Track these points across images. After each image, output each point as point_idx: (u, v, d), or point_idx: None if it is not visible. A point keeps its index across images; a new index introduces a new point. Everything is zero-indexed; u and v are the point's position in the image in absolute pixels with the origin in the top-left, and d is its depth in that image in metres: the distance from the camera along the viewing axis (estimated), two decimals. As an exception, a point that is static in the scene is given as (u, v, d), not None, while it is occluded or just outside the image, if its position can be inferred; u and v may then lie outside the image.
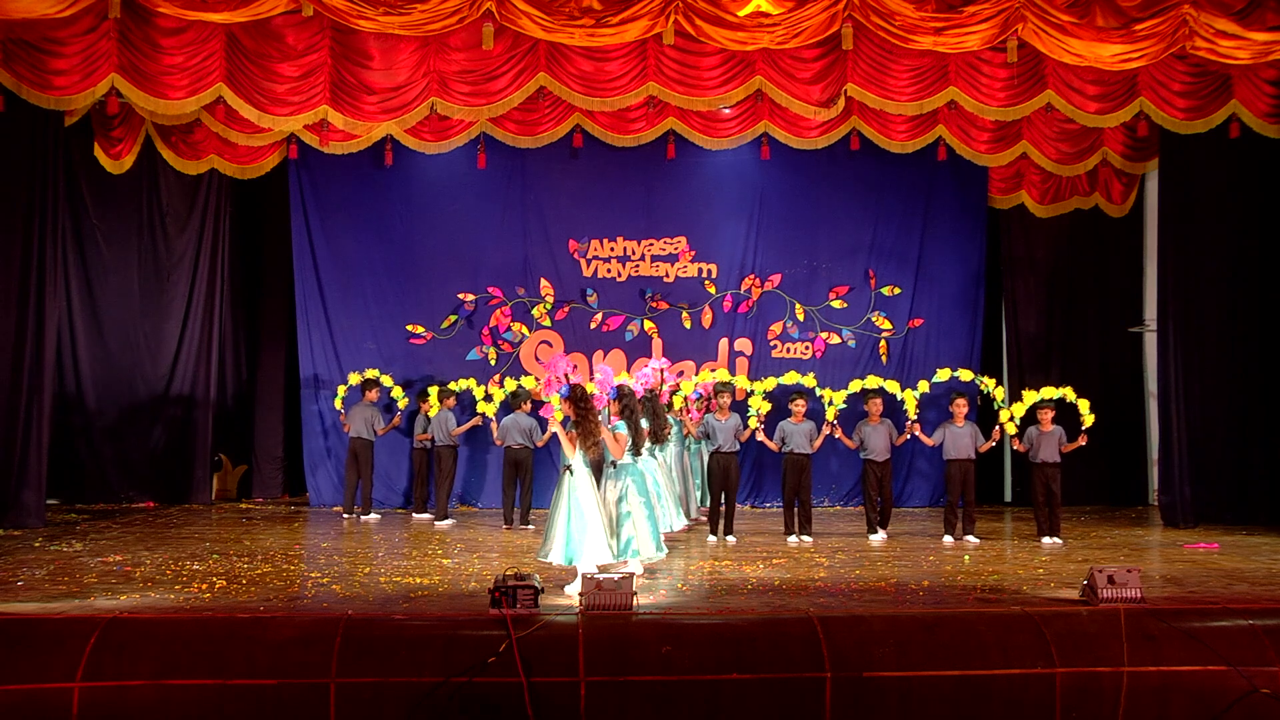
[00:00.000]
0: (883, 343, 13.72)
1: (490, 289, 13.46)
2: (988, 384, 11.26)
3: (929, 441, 10.97)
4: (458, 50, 10.53)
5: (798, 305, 13.70)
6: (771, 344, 13.67)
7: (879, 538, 10.69)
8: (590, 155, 12.98)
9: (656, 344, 13.53)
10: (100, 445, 13.20)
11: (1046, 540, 10.47)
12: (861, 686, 6.09)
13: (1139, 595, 6.82)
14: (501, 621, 6.17)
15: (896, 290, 13.74)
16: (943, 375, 11.55)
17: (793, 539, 10.60)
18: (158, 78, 10.08)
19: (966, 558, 9.59)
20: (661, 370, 11.55)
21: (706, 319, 13.62)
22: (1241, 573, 8.74)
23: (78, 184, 12.78)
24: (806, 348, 13.67)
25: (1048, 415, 10.79)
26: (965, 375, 11.77)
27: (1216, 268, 11.86)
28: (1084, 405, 10.71)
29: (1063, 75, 10.77)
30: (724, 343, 13.63)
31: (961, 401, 10.84)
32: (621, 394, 8.40)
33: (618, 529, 8.17)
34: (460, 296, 13.43)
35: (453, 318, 13.42)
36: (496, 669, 5.94)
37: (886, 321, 13.73)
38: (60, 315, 12.35)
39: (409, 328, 13.39)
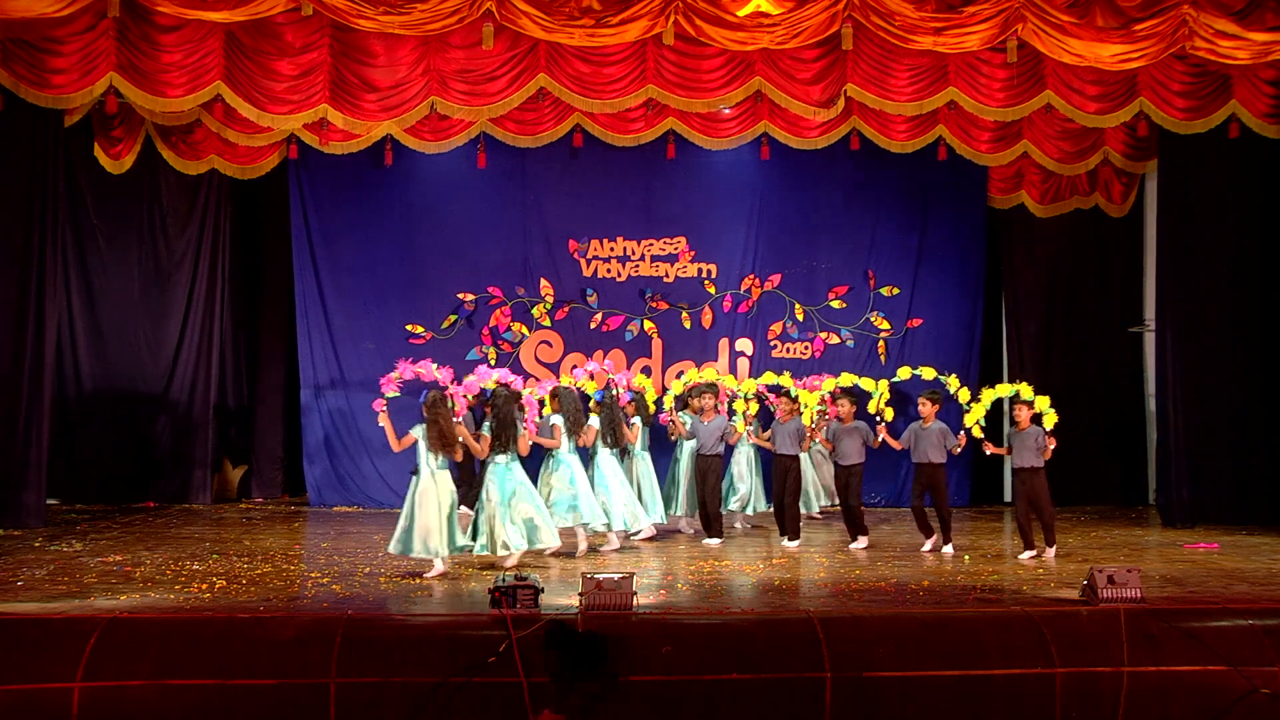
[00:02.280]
0: (881, 343, 13.72)
1: (490, 289, 13.45)
2: (952, 383, 10.58)
3: (896, 445, 10.27)
4: (458, 49, 10.52)
5: (797, 305, 13.70)
6: (772, 344, 13.66)
7: (857, 545, 10.11)
8: (590, 155, 12.95)
9: (656, 344, 13.53)
10: (100, 445, 13.18)
11: (1024, 556, 9.53)
12: (861, 686, 6.10)
13: (1139, 595, 6.82)
14: (501, 621, 6.17)
15: (895, 290, 13.73)
16: (904, 374, 11.27)
17: (784, 542, 10.22)
18: (156, 76, 10.07)
19: (966, 557, 9.58)
20: (590, 373, 11.01)
21: (706, 319, 13.61)
22: (1241, 573, 8.74)
23: (78, 184, 12.77)
24: (806, 348, 13.67)
25: (1021, 413, 9.80)
26: (927, 373, 11.53)
27: (1216, 268, 11.85)
28: (1043, 403, 9.75)
29: (1062, 75, 10.76)
30: (724, 343, 13.62)
31: (924, 401, 10.06)
32: (494, 396, 9.04)
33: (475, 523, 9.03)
34: (460, 296, 13.42)
35: (453, 318, 13.41)
36: (496, 669, 5.94)
37: (885, 322, 13.73)
38: (60, 315, 12.35)
39: (409, 328, 13.37)
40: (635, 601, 6.54)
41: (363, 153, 12.24)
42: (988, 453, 10.16)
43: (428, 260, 13.43)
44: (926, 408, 10.04)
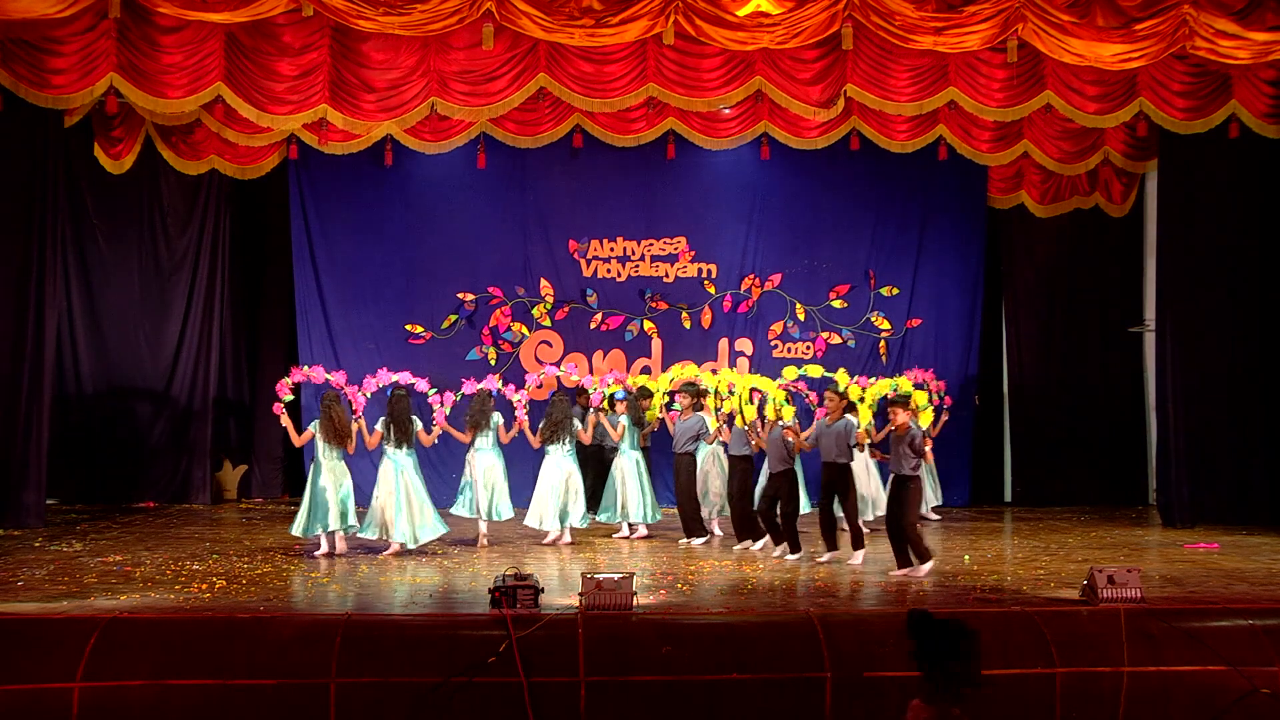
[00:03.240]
0: (882, 343, 13.72)
1: (490, 289, 13.44)
2: (842, 379, 10.24)
3: (805, 445, 9.60)
4: (457, 50, 10.51)
5: (798, 305, 13.69)
6: (772, 344, 13.65)
7: (777, 553, 9.62)
8: (590, 155, 12.94)
9: (656, 344, 13.53)
10: (100, 445, 13.19)
11: (895, 574, 8.57)
12: (861, 686, 6.09)
13: (1139, 595, 6.82)
14: (501, 621, 6.17)
15: (895, 290, 13.73)
16: (790, 374, 11.01)
17: (738, 547, 9.93)
18: (156, 77, 10.06)
19: (966, 557, 9.57)
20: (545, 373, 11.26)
21: (706, 319, 13.61)
22: (1241, 573, 8.74)
23: (78, 184, 12.77)
24: (808, 347, 13.66)
25: (897, 416, 8.67)
26: (814, 371, 11.34)
27: (1216, 268, 11.84)
28: (920, 398, 8.84)
29: (1062, 75, 10.76)
30: (724, 343, 13.61)
31: (830, 396, 9.41)
32: (391, 395, 9.88)
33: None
34: (460, 296, 13.42)
35: (453, 318, 13.41)
36: (496, 669, 5.95)
37: (885, 321, 13.72)
38: (60, 315, 12.35)
39: (409, 328, 13.38)
40: (635, 601, 6.55)
41: (363, 153, 12.23)
42: (874, 460, 9.20)
43: (428, 260, 13.43)
44: (833, 403, 9.34)
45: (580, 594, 6.54)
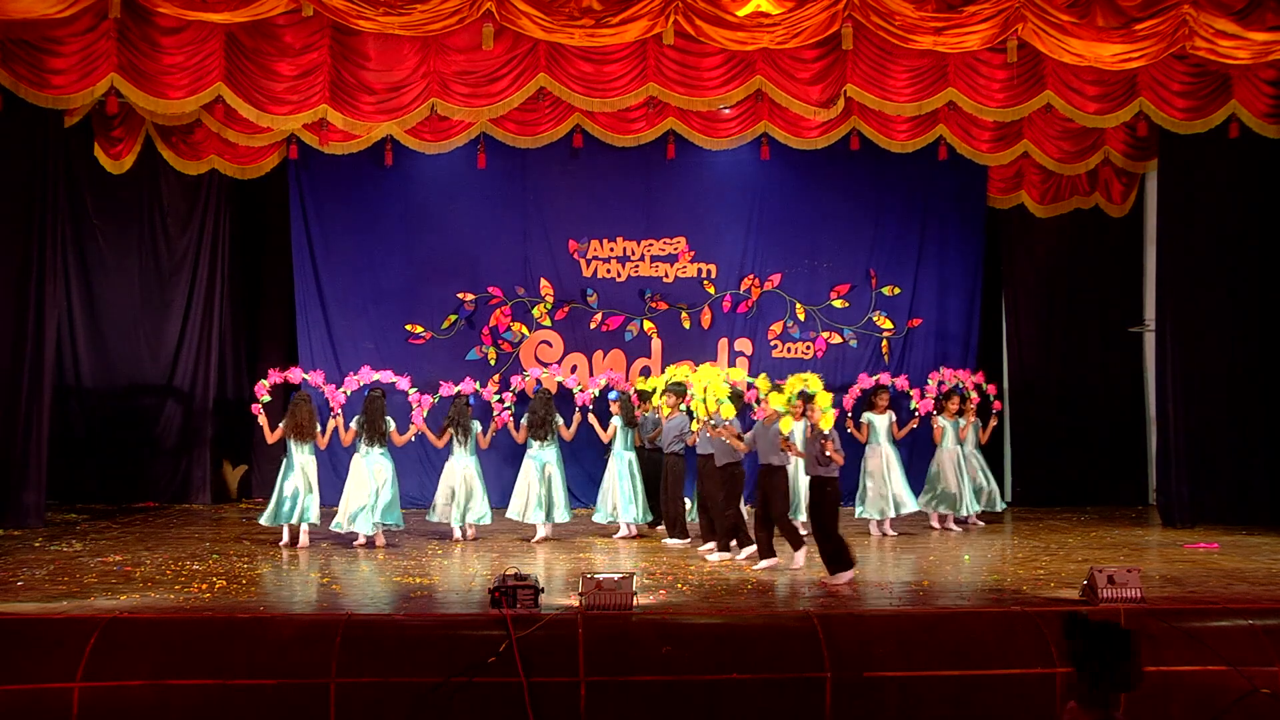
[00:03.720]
0: (884, 342, 13.72)
1: (490, 289, 13.44)
2: (762, 385, 10.03)
3: (743, 447, 9.29)
4: (457, 51, 10.51)
5: (798, 305, 13.69)
6: (772, 344, 13.64)
7: (704, 548, 9.72)
8: (590, 155, 12.94)
9: (656, 344, 13.53)
10: (100, 445, 13.20)
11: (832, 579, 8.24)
12: (861, 686, 6.10)
13: (1139, 595, 6.83)
14: (501, 621, 6.17)
15: (896, 290, 13.73)
16: (710, 371, 10.98)
17: (704, 548, 9.76)
18: (157, 77, 10.06)
19: (966, 557, 9.59)
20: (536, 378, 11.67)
21: (706, 319, 13.60)
22: (1241, 573, 8.74)
23: (78, 184, 12.78)
24: (808, 348, 13.65)
25: (814, 414, 8.62)
26: (736, 375, 11.28)
27: (1216, 268, 11.84)
28: (824, 400, 8.63)
29: (1062, 75, 10.76)
30: (723, 343, 13.61)
31: (766, 399, 9.28)
32: (368, 395, 10.39)
33: None
34: (460, 296, 13.42)
35: (453, 318, 13.41)
36: (496, 669, 5.95)
37: (887, 321, 13.72)
38: (60, 315, 12.36)
39: (409, 328, 13.37)
40: (635, 601, 6.55)
41: (363, 153, 12.23)
42: (791, 454, 9.05)
43: (428, 260, 13.43)
44: (768, 406, 9.16)
45: (580, 594, 6.54)
